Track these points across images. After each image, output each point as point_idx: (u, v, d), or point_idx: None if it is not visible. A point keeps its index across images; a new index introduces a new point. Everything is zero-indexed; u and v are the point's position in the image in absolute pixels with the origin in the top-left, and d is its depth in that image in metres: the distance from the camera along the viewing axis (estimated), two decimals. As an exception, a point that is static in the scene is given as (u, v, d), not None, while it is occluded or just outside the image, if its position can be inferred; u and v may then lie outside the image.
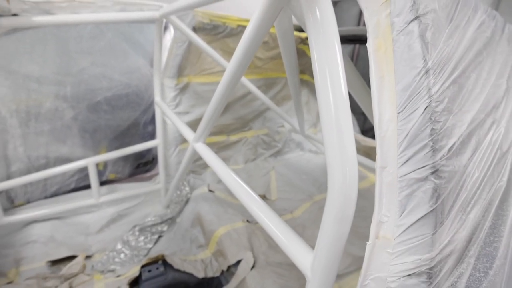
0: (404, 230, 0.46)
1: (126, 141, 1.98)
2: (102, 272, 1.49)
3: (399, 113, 0.47)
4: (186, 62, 1.92)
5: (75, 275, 1.37)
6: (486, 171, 0.53)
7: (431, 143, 0.44)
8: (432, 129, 0.45)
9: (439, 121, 0.45)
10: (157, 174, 2.18)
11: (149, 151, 2.18)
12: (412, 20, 0.46)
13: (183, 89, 2.00)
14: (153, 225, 1.86)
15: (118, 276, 1.40)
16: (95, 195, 1.82)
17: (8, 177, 1.68)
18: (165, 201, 1.99)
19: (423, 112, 0.45)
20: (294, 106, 1.99)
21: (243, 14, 1.89)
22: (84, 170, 1.92)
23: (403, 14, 0.47)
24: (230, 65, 0.90)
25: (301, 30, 2.25)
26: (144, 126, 2.02)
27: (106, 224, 1.86)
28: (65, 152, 1.82)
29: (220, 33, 1.88)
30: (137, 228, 1.82)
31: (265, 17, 0.69)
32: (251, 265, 1.35)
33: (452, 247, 0.46)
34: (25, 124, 1.63)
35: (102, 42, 1.65)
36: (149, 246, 1.74)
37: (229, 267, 1.42)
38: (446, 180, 0.45)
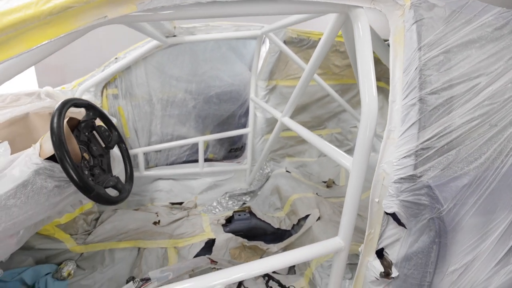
0: (403, 133, 0.87)
1: (225, 128, 2.64)
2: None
3: (403, 72, 0.90)
4: (276, 68, 2.51)
5: (190, 208, 2.02)
6: (468, 110, 0.90)
7: (418, 85, 0.86)
8: (419, 78, 0.86)
9: (424, 75, 0.87)
10: (244, 159, 2.80)
11: (239, 139, 2.81)
12: (413, 24, 0.90)
13: (272, 90, 2.59)
14: (240, 194, 2.45)
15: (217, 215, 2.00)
16: (201, 165, 2.51)
17: (149, 145, 2.49)
18: (249, 179, 2.57)
19: (415, 70, 0.87)
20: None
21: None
22: (192, 148, 2.65)
23: (409, 21, 0.91)
24: (310, 63, 1.43)
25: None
26: (239, 118, 2.67)
27: (205, 189, 2.52)
28: (183, 132, 2.57)
29: (305, 45, 2.42)
30: (227, 195, 2.43)
31: (333, 28, 1.19)
32: (316, 218, 1.78)
33: (431, 144, 0.85)
34: (164, 108, 2.43)
35: (219, 53, 2.36)
36: (236, 208, 2.32)
37: (299, 221, 1.87)
38: (427, 105, 0.86)
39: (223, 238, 1.78)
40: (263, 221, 1.93)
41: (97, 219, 1.95)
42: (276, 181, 2.35)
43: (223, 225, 1.90)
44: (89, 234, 1.81)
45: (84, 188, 0.98)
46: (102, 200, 1.06)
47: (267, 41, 2.42)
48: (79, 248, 1.78)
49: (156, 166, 2.61)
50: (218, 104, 2.51)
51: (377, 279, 1.00)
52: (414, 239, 0.91)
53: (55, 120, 0.95)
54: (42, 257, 1.74)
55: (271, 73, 2.50)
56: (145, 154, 2.50)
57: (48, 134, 0.99)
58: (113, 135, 1.32)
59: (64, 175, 0.99)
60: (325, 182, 2.50)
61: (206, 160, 2.76)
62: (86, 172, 1.06)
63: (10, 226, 0.95)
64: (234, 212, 2.01)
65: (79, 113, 1.26)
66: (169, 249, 1.78)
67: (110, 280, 1.67)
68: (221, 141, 2.72)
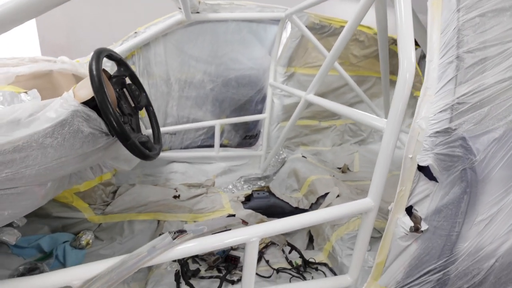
0: (440, 89, 0.96)
1: (241, 113, 2.72)
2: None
3: (441, 34, 0.99)
4: (295, 55, 2.61)
5: (209, 186, 2.10)
6: (499, 72, 0.99)
7: (456, 44, 0.95)
8: (457, 38, 0.96)
9: (462, 34, 0.96)
10: (258, 147, 2.88)
11: (255, 127, 2.90)
12: (451, -12, 0.99)
13: (290, 77, 2.68)
14: (255, 179, 2.53)
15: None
16: (216, 149, 2.59)
17: (164, 126, 2.57)
18: (264, 165, 2.65)
19: (453, 30, 0.96)
20: (383, 100, 2.48)
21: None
22: (208, 132, 2.73)
23: (447, -14, 1.01)
24: (340, 36, 1.54)
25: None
26: (256, 104, 2.76)
27: (220, 174, 2.60)
28: (199, 116, 2.66)
29: (325, 32, 2.52)
30: (242, 179, 2.51)
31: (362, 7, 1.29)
32: (336, 195, 1.86)
33: (466, 99, 0.94)
34: (181, 89, 2.51)
35: (239, 35, 2.45)
36: (250, 191, 2.39)
37: (317, 199, 1.95)
38: (463, 63, 0.95)
39: (242, 214, 1.85)
40: (282, 200, 2.01)
41: (114, 192, 2.01)
42: (293, 164, 2.44)
43: (242, 202, 1.98)
44: (107, 205, 1.88)
45: (122, 134, 1.01)
46: (137, 150, 1.08)
47: (289, 26, 2.53)
48: (98, 218, 1.84)
49: (170, 149, 2.69)
50: (236, 88, 2.60)
51: (407, 234, 1.08)
52: (445, 192, 1.00)
53: (94, 63, 0.99)
54: (58, 226, 1.78)
55: (290, 59, 2.60)
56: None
57: (82, 82, 1.03)
58: (142, 97, 1.36)
59: (98, 124, 1.03)
60: (339, 168, 2.58)
61: (220, 145, 2.84)
62: None
63: (43, 172, 0.95)
64: (253, 190, 2.09)
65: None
66: (189, 223, 1.85)
67: (129, 251, 1.71)
68: (236, 127, 2.81)
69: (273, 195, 2.05)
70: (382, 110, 2.83)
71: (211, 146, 2.68)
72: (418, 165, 1.02)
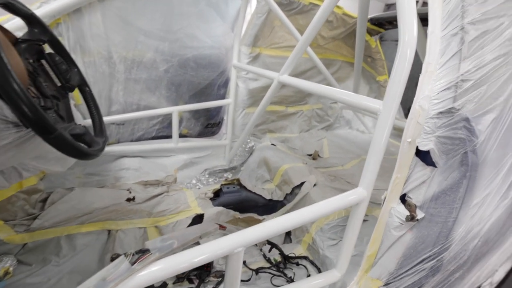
0: (443, 64, 0.91)
1: (202, 99, 2.53)
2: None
3: (443, 2, 0.93)
4: (261, 34, 2.48)
5: (170, 184, 1.91)
6: (495, 48, 0.96)
7: (461, 14, 0.90)
8: (462, 7, 0.90)
9: (466, 3, 0.91)
10: (221, 135, 2.73)
11: (217, 114, 2.72)
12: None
13: (255, 58, 2.55)
14: (220, 171, 2.39)
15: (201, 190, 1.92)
16: (175, 140, 2.37)
17: (108, 115, 2.27)
18: (230, 156, 2.51)
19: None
20: (353, 84, 2.49)
21: None
22: (163, 122, 2.49)
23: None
24: (310, 26, 1.47)
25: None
26: (218, 89, 2.58)
27: (181, 167, 2.40)
28: (152, 102, 2.40)
29: (293, 9, 2.43)
30: (207, 172, 2.36)
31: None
32: (313, 184, 1.80)
33: (469, 76, 0.90)
34: (128, 71, 2.21)
35: (197, 8, 2.23)
36: (218, 185, 2.25)
37: (293, 189, 1.88)
38: (468, 35, 0.90)
39: (212, 212, 1.71)
40: (254, 193, 1.91)
41: (44, 200, 1.64)
42: (263, 153, 2.34)
43: (211, 199, 1.84)
44: (34, 218, 1.53)
45: (40, 123, 0.70)
46: (69, 147, 0.79)
47: (253, 0, 2.38)
48: (20, 237, 1.49)
49: (118, 142, 2.41)
50: (195, 70, 2.39)
51: (401, 223, 1.04)
52: (444, 177, 0.97)
53: None
54: None
55: (256, 38, 2.47)
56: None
57: None
58: (73, 73, 1.05)
59: None
60: (310, 155, 2.55)
61: (179, 136, 2.63)
62: None
63: None
64: (222, 185, 1.95)
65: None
66: (149, 229, 1.65)
67: (72, 273, 1.41)
68: (196, 114, 2.61)
69: (244, 188, 1.93)
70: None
71: (168, 136, 2.46)
72: (416, 150, 0.98)
